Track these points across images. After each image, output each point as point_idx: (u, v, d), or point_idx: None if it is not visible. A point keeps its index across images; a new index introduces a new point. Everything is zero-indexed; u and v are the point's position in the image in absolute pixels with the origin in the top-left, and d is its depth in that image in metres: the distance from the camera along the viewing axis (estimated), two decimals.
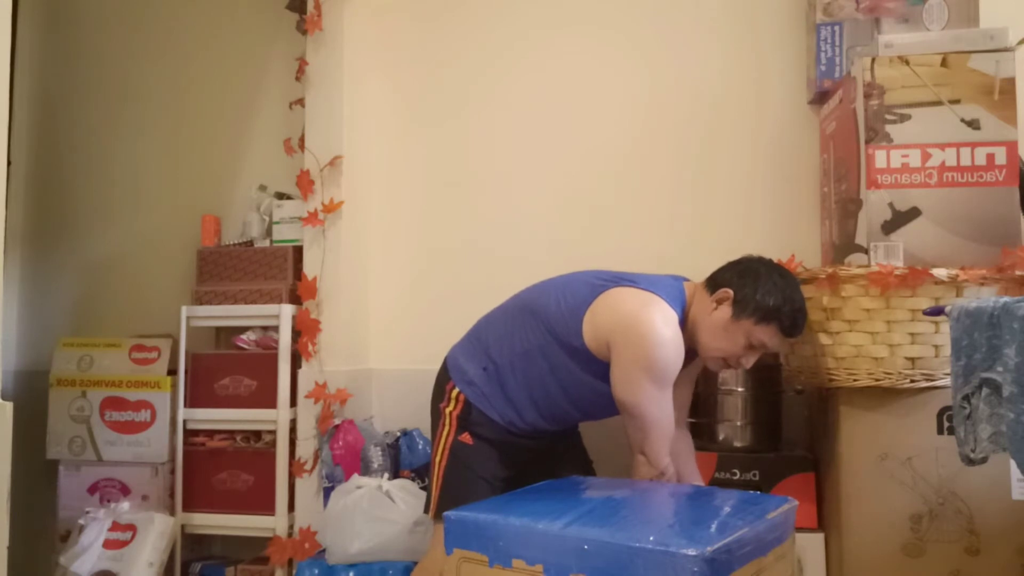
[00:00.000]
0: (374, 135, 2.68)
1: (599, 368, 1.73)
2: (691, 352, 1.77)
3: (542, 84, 2.56)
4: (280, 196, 2.69)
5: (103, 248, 2.97)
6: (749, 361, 1.74)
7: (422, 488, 2.29)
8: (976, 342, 1.31)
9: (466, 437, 1.85)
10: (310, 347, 2.46)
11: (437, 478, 1.86)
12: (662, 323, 1.66)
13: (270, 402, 2.48)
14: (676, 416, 1.80)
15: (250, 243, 2.67)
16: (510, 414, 1.83)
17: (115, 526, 2.46)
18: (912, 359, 1.71)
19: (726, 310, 1.69)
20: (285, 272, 2.57)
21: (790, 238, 2.28)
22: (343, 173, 2.51)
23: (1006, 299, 1.28)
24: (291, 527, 2.44)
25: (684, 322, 1.74)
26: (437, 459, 1.88)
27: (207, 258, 2.64)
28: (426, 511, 1.91)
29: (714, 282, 1.75)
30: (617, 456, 1.91)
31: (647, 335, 1.65)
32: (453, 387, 1.89)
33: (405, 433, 2.47)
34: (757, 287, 1.68)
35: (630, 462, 1.78)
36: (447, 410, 1.88)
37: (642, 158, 2.46)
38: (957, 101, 1.81)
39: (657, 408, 1.68)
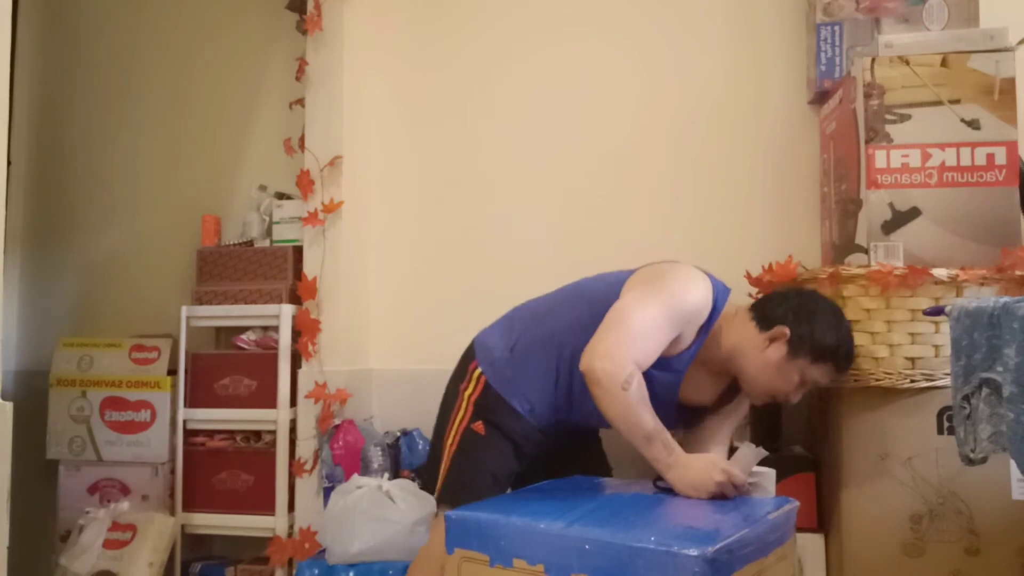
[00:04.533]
0: (374, 135, 2.68)
1: None
2: (729, 390, 1.74)
3: (542, 84, 2.56)
4: (280, 196, 2.69)
5: (103, 248, 2.97)
6: (797, 397, 1.68)
7: (422, 488, 2.29)
8: (976, 342, 1.31)
9: (479, 426, 1.80)
10: (310, 347, 2.46)
11: (446, 461, 1.82)
12: (697, 275, 1.67)
13: (270, 402, 2.48)
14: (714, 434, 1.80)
15: (250, 243, 2.67)
16: (529, 402, 1.79)
17: (115, 526, 2.46)
18: (912, 359, 1.71)
19: (781, 348, 1.62)
20: (285, 272, 2.57)
21: (790, 238, 2.28)
22: (343, 173, 2.52)
23: (1006, 299, 1.28)
24: (291, 527, 2.44)
25: (715, 321, 1.67)
26: (448, 441, 1.82)
27: (207, 258, 2.64)
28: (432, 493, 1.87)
29: (763, 315, 1.67)
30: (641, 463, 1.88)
31: (679, 271, 1.68)
32: (476, 367, 1.84)
33: (405, 433, 2.47)
34: (814, 326, 1.62)
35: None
36: (466, 392, 1.83)
37: (642, 158, 2.46)
38: (957, 101, 1.82)
39: (647, 324, 1.59)
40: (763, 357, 1.64)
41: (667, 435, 1.56)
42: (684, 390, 1.74)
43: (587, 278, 1.88)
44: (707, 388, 1.79)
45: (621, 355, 1.57)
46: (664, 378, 1.68)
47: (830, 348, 1.63)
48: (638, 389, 1.56)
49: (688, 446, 1.74)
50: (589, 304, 1.75)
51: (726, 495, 1.48)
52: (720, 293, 1.71)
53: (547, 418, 1.81)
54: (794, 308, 1.66)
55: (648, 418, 1.55)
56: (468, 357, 1.90)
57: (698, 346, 1.68)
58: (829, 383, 1.70)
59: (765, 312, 1.68)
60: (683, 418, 1.83)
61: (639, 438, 1.56)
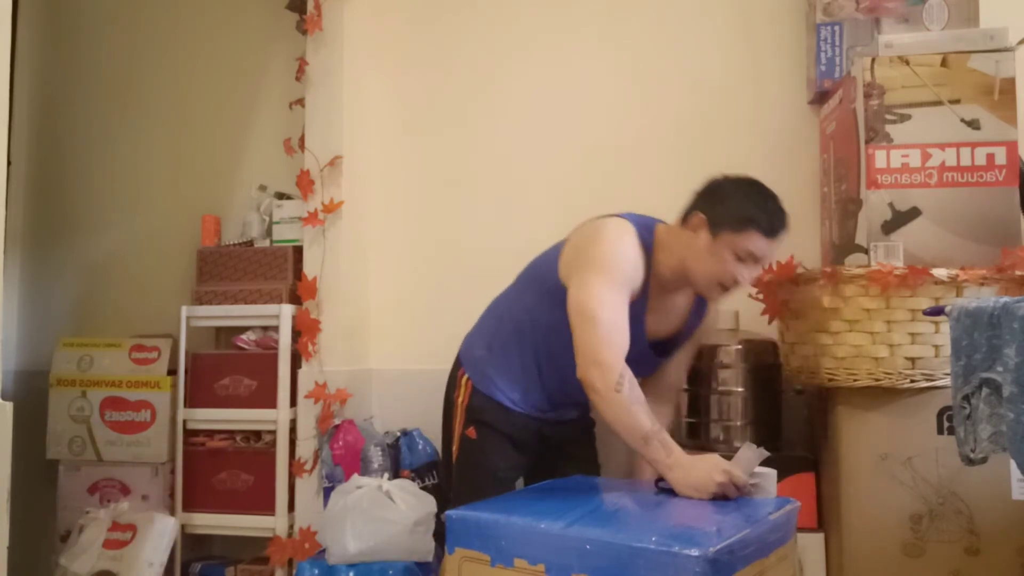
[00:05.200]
0: (374, 135, 2.68)
1: None
2: (696, 310, 1.82)
3: (541, 84, 2.56)
4: (280, 196, 2.69)
5: (103, 248, 2.97)
6: (744, 276, 1.69)
7: (422, 488, 2.29)
8: (976, 342, 1.31)
9: (471, 431, 1.85)
10: (310, 347, 2.46)
11: (455, 474, 1.90)
12: (616, 227, 1.71)
13: (270, 402, 2.48)
14: (665, 388, 1.89)
15: (250, 243, 2.67)
16: (514, 393, 1.84)
17: (115, 526, 2.46)
18: (912, 359, 1.71)
19: (704, 233, 1.68)
20: (285, 272, 2.57)
21: (790, 238, 2.24)
22: (343, 173, 2.51)
23: (1006, 299, 1.28)
24: (291, 527, 2.44)
25: (652, 252, 1.73)
26: (454, 449, 1.91)
27: (207, 258, 2.64)
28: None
29: (684, 215, 1.75)
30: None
31: (601, 235, 1.71)
32: (463, 374, 1.91)
33: (405, 433, 2.47)
34: (726, 201, 1.69)
35: (630, 463, 1.76)
36: (459, 400, 1.90)
37: (642, 158, 2.46)
38: (957, 101, 1.82)
39: (609, 311, 1.61)
40: (695, 249, 1.69)
41: (665, 435, 1.56)
42: (655, 325, 1.78)
43: (536, 257, 1.93)
44: (674, 311, 1.82)
45: (609, 356, 1.58)
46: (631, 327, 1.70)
47: (747, 215, 1.66)
48: (631, 390, 1.57)
49: (651, 380, 1.84)
50: (540, 282, 1.83)
51: (727, 496, 1.48)
52: (644, 228, 1.74)
53: (537, 403, 1.86)
54: (704, 193, 1.74)
55: (644, 419, 1.56)
56: (456, 365, 1.96)
57: (647, 285, 1.72)
58: (767, 253, 1.70)
59: (685, 211, 1.75)
60: (661, 358, 1.87)
61: (637, 440, 1.57)
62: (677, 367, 1.93)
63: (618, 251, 1.69)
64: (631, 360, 1.61)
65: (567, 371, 1.66)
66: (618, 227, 1.73)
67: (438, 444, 2.47)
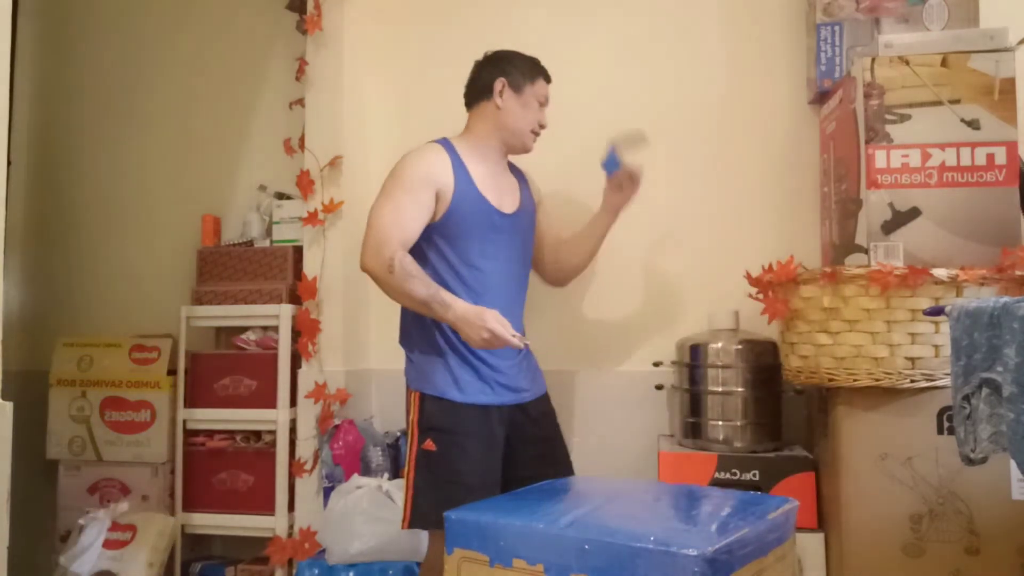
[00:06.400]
0: (374, 135, 2.68)
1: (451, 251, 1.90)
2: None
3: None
4: (280, 196, 2.69)
5: (103, 248, 2.97)
6: (545, 120, 2.03)
7: None
8: (976, 342, 1.31)
9: (428, 444, 1.83)
10: (310, 347, 2.46)
11: (407, 490, 1.84)
12: (416, 150, 1.95)
13: (270, 402, 2.48)
14: (558, 243, 2.19)
15: (250, 243, 2.67)
16: (451, 376, 1.86)
17: (115, 526, 2.46)
18: (912, 359, 1.71)
19: (508, 92, 1.97)
20: (285, 272, 2.57)
21: (790, 238, 2.28)
22: (343, 173, 2.52)
23: (1006, 299, 1.28)
24: (291, 527, 2.44)
25: (454, 147, 1.96)
26: (406, 471, 1.86)
27: (207, 258, 2.65)
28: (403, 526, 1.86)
29: (477, 92, 2.02)
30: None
31: (399, 164, 1.93)
32: (408, 390, 1.92)
33: (405, 433, 2.47)
34: (511, 64, 2.00)
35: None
36: (411, 418, 1.89)
37: (641, 158, 2.45)
38: (957, 101, 1.81)
39: (379, 217, 1.83)
40: (507, 112, 1.98)
41: (442, 294, 1.77)
42: (497, 199, 1.96)
43: None
44: (507, 186, 2.04)
45: (378, 247, 1.80)
46: (489, 218, 1.93)
47: (533, 67, 2.01)
48: (402, 267, 1.77)
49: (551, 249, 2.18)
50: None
51: (495, 344, 1.74)
52: (441, 140, 1.99)
53: (474, 380, 1.87)
54: (489, 65, 2.02)
55: (418, 286, 1.77)
56: (406, 390, 1.94)
57: (463, 170, 1.92)
58: (547, 94, 2.03)
59: (475, 90, 2.03)
60: (524, 229, 2.06)
61: (419, 306, 1.79)
62: (550, 229, 2.20)
63: (409, 163, 1.91)
64: (496, 226, 1.93)
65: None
66: (420, 148, 1.96)
67: None
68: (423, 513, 1.79)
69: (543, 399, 2.03)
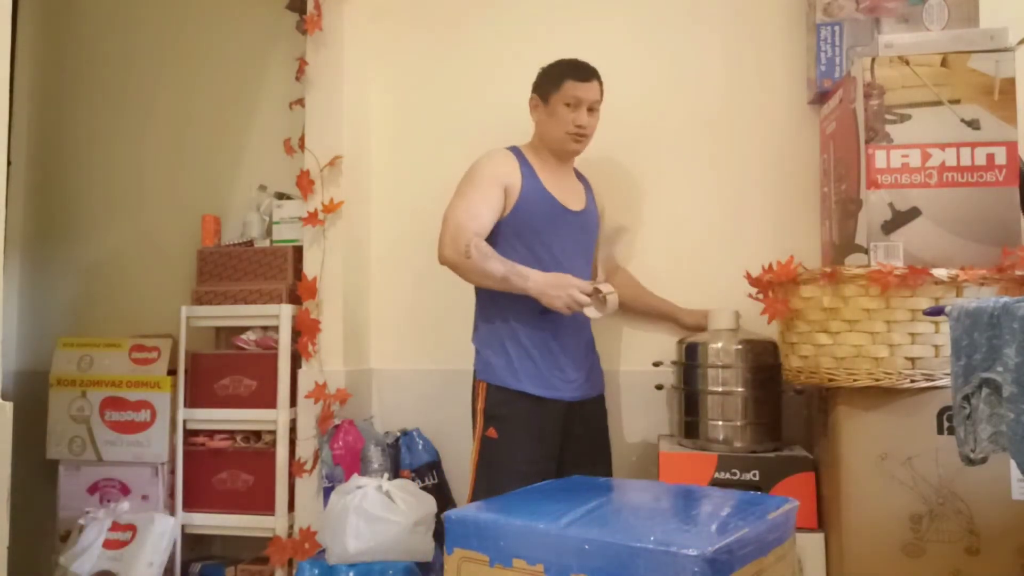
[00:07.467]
0: (374, 135, 2.68)
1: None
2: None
3: None
4: (280, 196, 2.69)
5: (103, 248, 2.97)
6: (581, 120, 2.05)
7: (422, 488, 2.29)
8: (976, 342, 1.30)
9: (491, 432, 1.96)
10: (310, 347, 2.46)
11: (471, 475, 1.98)
12: (488, 152, 2.09)
13: (270, 402, 2.48)
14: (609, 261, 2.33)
15: (250, 243, 2.67)
16: (509, 371, 1.98)
17: (115, 526, 2.46)
18: (912, 359, 1.71)
19: (540, 106, 2.09)
20: (285, 272, 2.57)
21: (790, 238, 2.28)
22: (343, 173, 2.52)
23: (1006, 299, 1.28)
24: (291, 527, 2.44)
25: (521, 151, 2.12)
26: (472, 455, 2.01)
27: (207, 258, 2.64)
28: None
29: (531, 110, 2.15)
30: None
31: (473, 166, 2.07)
32: (476, 381, 2.04)
33: (405, 433, 2.47)
34: (540, 77, 2.11)
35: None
36: (477, 407, 2.01)
37: (642, 158, 2.46)
38: (957, 101, 1.81)
39: (455, 214, 1.98)
40: (543, 123, 2.10)
41: (519, 268, 1.91)
42: (563, 196, 2.09)
43: None
44: (571, 187, 2.16)
45: (455, 237, 1.94)
46: (547, 207, 2.05)
47: (556, 72, 2.07)
48: (478, 250, 1.92)
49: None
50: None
51: (577, 304, 1.87)
52: (511, 147, 2.13)
53: (534, 374, 1.99)
54: (532, 88, 2.13)
55: (495, 264, 1.91)
56: (473, 378, 2.07)
57: (530, 169, 2.07)
58: (589, 94, 2.05)
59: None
60: (591, 228, 2.20)
61: (499, 282, 1.92)
62: (606, 241, 2.33)
63: (482, 164, 2.05)
64: (562, 220, 2.06)
65: (534, 320, 1.98)
66: (491, 151, 2.10)
67: (438, 444, 2.48)
68: (480, 497, 1.83)
69: (598, 399, 2.15)
